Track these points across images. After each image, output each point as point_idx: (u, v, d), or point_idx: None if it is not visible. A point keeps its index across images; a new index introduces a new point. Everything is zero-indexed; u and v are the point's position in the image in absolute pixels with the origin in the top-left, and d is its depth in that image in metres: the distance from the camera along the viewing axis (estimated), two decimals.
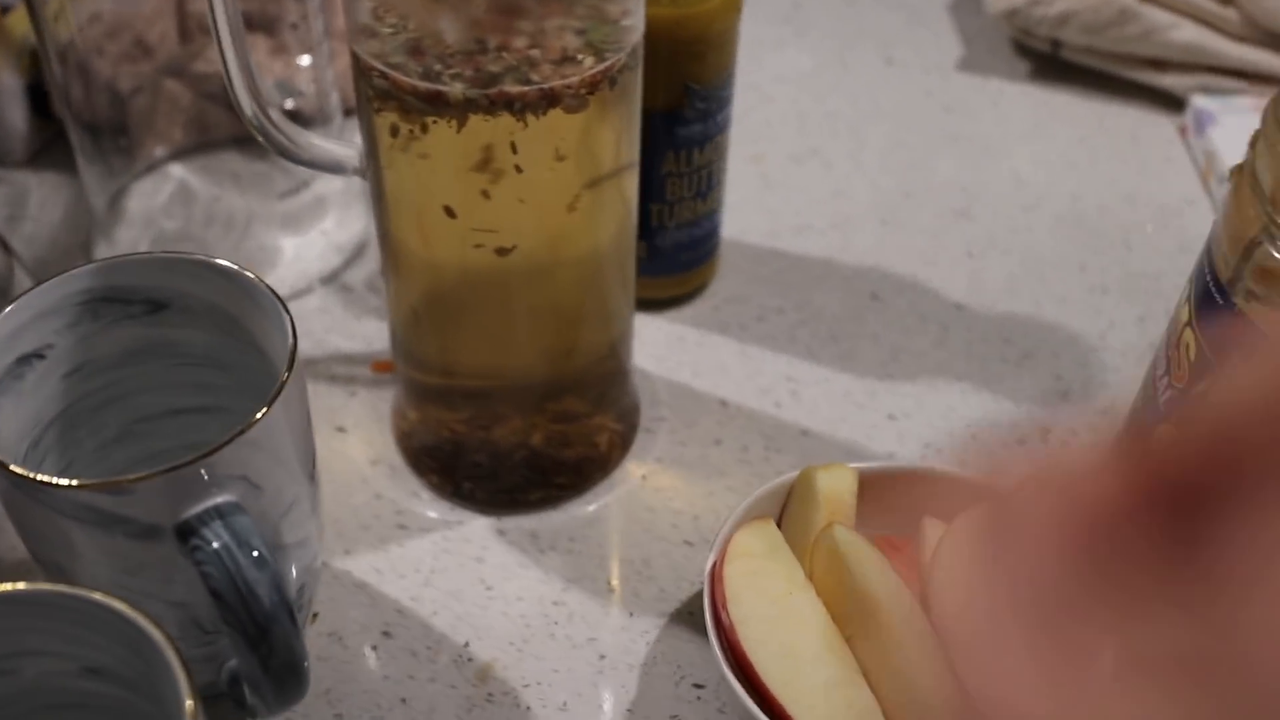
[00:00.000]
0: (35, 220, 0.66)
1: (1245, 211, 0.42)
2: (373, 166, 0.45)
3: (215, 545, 0.36)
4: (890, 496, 0.47)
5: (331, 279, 0.62)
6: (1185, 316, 0.45)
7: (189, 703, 0.30)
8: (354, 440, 0.54)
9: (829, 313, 0.60)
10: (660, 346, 0.59)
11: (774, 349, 0.59)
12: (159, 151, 0.67)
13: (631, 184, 0.47)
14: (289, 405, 0.39)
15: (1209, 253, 0.44)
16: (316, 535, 0.44)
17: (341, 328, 0.59)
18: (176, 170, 0.67)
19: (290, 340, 0.40)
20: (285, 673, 0.37)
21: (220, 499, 0.37)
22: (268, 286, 0.41)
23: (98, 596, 0.33)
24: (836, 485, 0.45)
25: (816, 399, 0.56)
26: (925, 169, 0.69)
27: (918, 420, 0.56)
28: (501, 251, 0.44)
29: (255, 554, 0.36)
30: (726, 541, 0.43)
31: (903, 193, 0.68)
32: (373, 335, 0.59)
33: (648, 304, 0.60)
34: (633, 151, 0.46)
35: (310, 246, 0.63)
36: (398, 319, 0.50)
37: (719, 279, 0.62)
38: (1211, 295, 0.43)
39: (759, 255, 0.63)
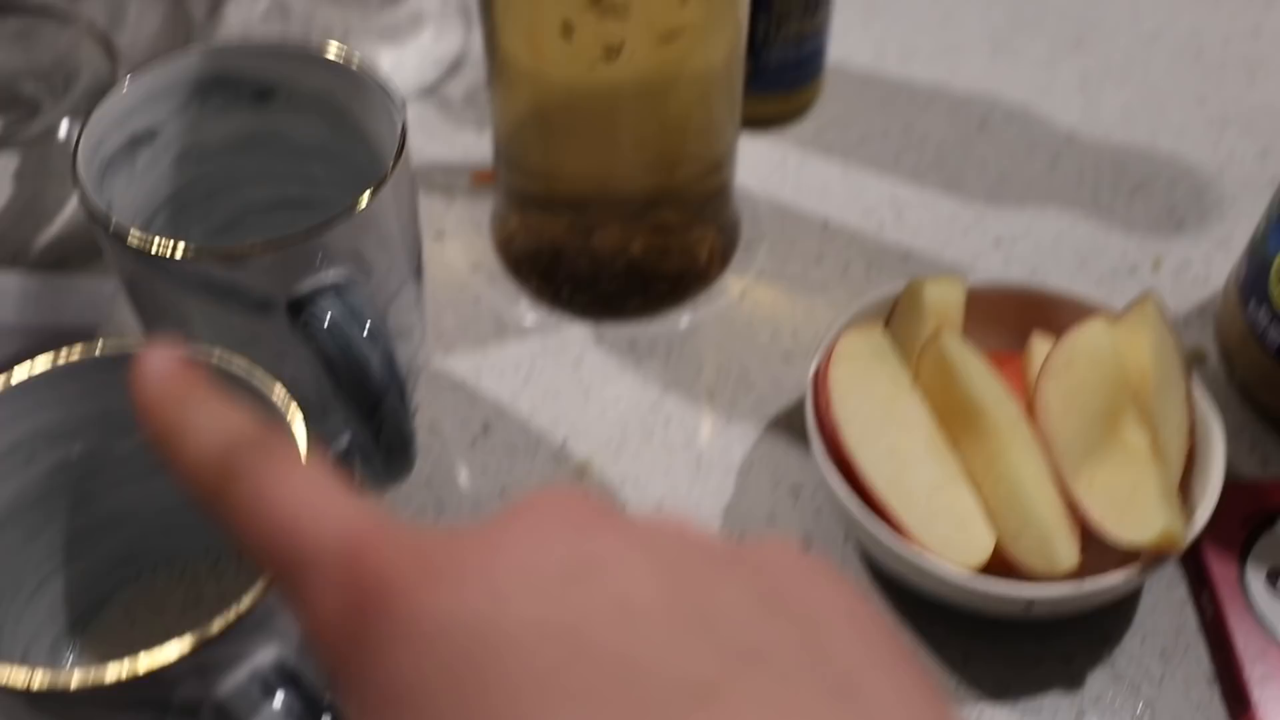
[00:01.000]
0: (134, 29, 0.66)
1: None
2: None
3: (328, 319, 0.36)
4: (998, 313, 0.47)
5: (429, 92, 0.61)
6: None
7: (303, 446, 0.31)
8: (453, 247, 0.54)
9: (935, 139, 0.59)
10: (762, 166, 0.57)
11: (878, 172, 0.57)
12: None
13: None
14: (398, 190, 0.39)
15: None
16: (419, 329, 0.44)
17: (440, 139, 0.59)
18: None
19: (399, 125, 0.39)
20: (395, 446, 0.38)
21: (332, 275, 0.37)
22: (375, 75, 0.41)
23: (214, 358, 0.33)
24: (944, 296, 0.45)
25: (921, 221, 0.55)
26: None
27: (1025, 245, 0.54)
28: (610, 55, 0.43)
29: (367, 329, 0.37)
30: (833, 344, 0.43)
31: (1014, 22, 0.65)
32: (470, 147, 0.58)
33: (751, 123, 0.58)
34: None
35: (408, 60, 0.63)
36: (502, 127, 0.49)
37: (822, 102, 0.60)
38: None
39: (864, 81, 0.62)
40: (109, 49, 0.58)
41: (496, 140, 0.50)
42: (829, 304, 0.52)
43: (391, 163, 0.38)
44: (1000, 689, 0.41)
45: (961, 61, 0.63)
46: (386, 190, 0.38)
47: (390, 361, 0.37)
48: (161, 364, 0.24)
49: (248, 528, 0.21)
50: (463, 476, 0.46)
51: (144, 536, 0.39)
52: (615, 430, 0.48)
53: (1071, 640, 0.42)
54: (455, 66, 0.63)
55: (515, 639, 0.18)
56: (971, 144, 0.59)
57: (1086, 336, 0.43)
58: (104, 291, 0.51)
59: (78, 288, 0.51)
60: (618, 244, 0.50)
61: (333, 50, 0.42)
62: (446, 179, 0.57)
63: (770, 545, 0.22)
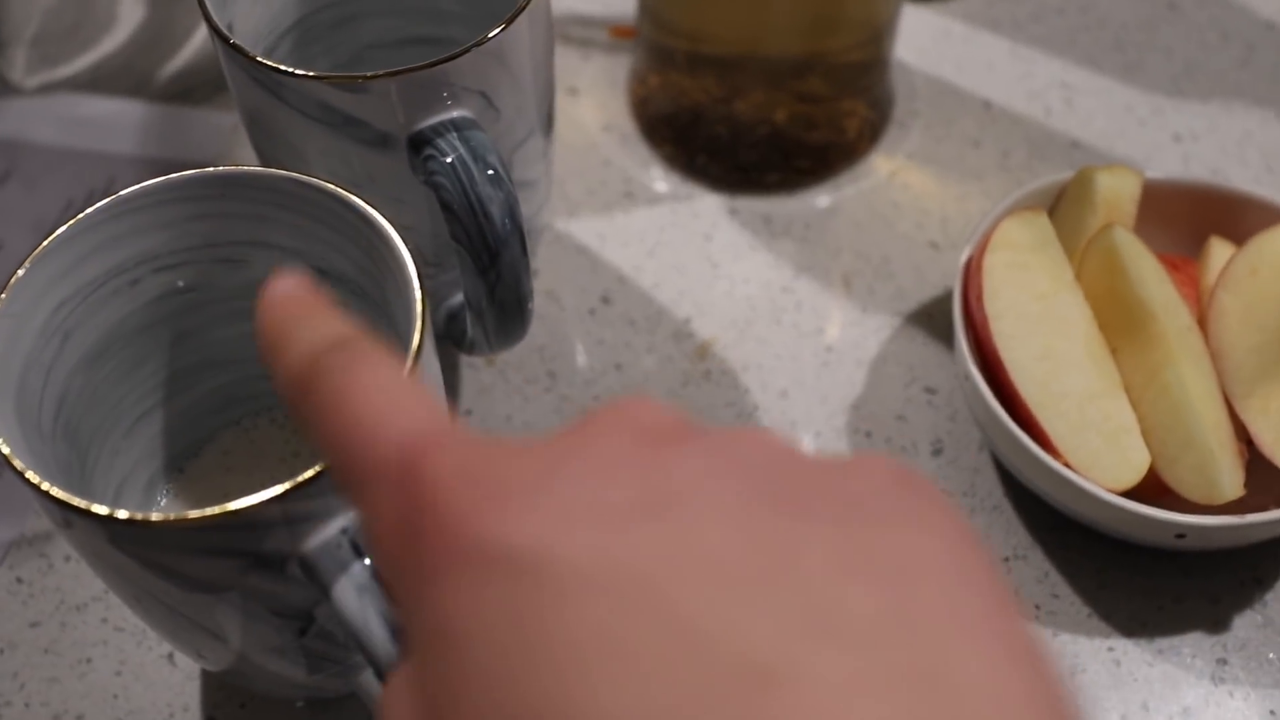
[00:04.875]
0: None
1: None
2: None
3: (450, 158, 0.34)
4: (1175, 213, 0.42)
5: None
6: None
7: (419, 300, 0.29)
8: (586, 104, 0.51)
9: (1116, 19, 0.54)
10: (924, 38, 0.53)
11: (1049, 52, 0.53)
12: None
13: None
14: (534, 27, 0.36)
15: None
16: (545, 183, 0.42)
17: None
18: None
19: None
20: (510, 303, 0.35)
21: (458, 112, 0.35)
22: None
23: (333, 188, 0.31)
24: (1118, 188, 0.41)
25: (1093, 109, 0.51)
26: None
27: (1207, 143, 0.50)
28: None
29: (491, 171, 0.34)
30: (990, 230, 0.39)
31: None
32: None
33: None
34: None
35: None
36: None
37: None
38: None
39: None
40: None
41: None
42: (984, 193, 0.48)
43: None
44: (1136, 623, 0.38)
45: None
46: (520, 24, 0.35)
47: (513, 209, 0.34)
48: (286, 287, 0.23)
49: (321, 430, 0.20)
50: (578, 348, 0.44)
51: (247, 381, 0.37)
52: (742, 311, 0.45)
53: (1220, 578, 0.39)
54: None
55: (577, 581, 0.16)
56: (1157, 27, 0.53)
57: (1273, 244, 0.39)
58: (225, 125, 0.49)
59: (199, 120, 0.50)
60: (761, 111, 0.47)
61: None
62: (584, 32, 0.54)
63: (871, 470, 0.19)
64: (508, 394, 0.43)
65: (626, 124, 0.50)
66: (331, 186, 0.31)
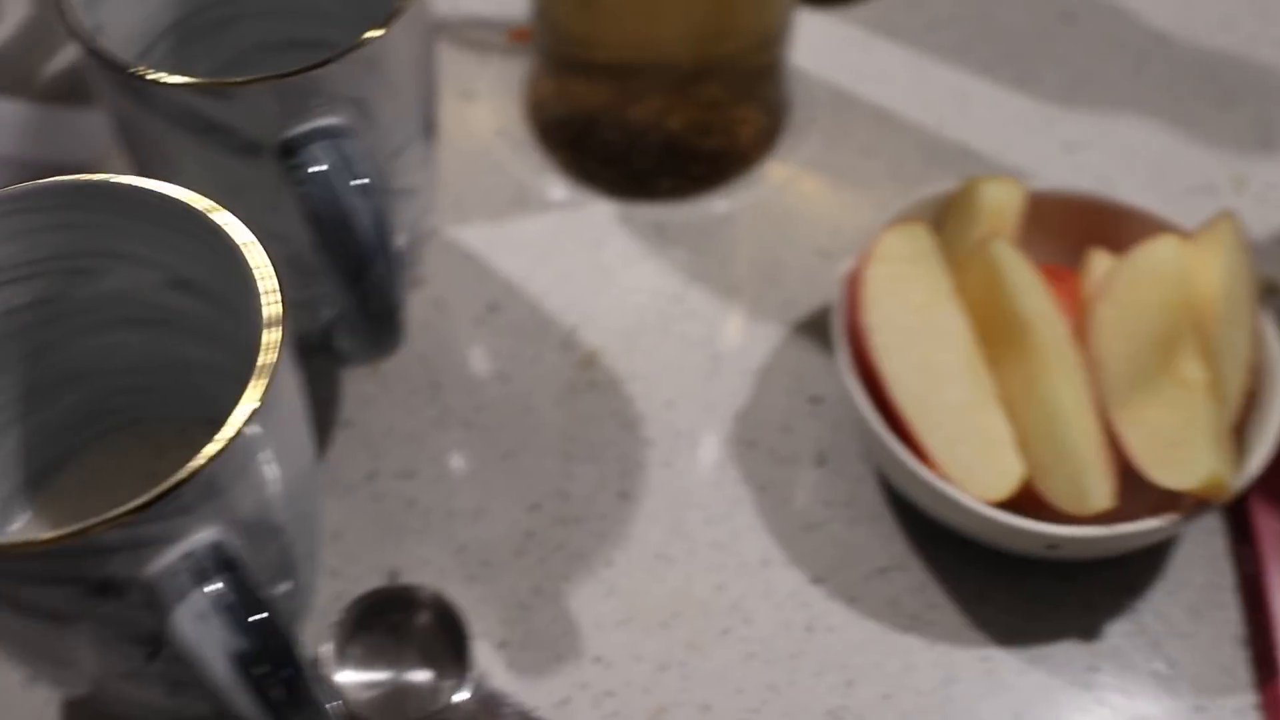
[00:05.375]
0: None
1: None
2: None
3: (318, 166, 0.33)
4: (1059, 224, 0.43)
5: None
6: None
7: (272, 314, 0.28)
8: (481, 108, 0.51)
9: (1012, 29, 0.54)
10: (822, 46, 0.53)
11: (945, 61, 0.53)
12: None
13: None
14: (411, 31, 0.36)
15: None
16: (428, 191, 0.41)
17: None
18: None
19: None
20: (381, 315, 0.35)
21: (329, 119, 0.34)
22: None
23: (181, 196, 0.30)
24: (1002, 199, 0.41)
25: (985, 118, 0.51)
26: None
27: (1097, 152, 0.50)
28: None
29: (360, 181, 0.33)
30: (872, 243, 0.39)
31: None
32: (511, 1, 0.54)
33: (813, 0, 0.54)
34: None
35: None
36: None
37: None
38: None
39: None
40: None
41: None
42: (876, 201, 0.48)
43: (400, 3, 0.35)
44: (1011, 632, 0.38)
45: None
46: (396, 29, 0.35)
47: (382, 220, 0.34)
48: None
49: None
50: (462, 357, 0.44)
51: (110, 394, 0.36)
52: (630, 319, 0.45)
53: (1094, 586, 0.39)
54: None
55: None
56: (1052, 37, 0.54)
57: (1152, 255, 0.39)
58: (107, 127, 0.48)
59: (79, 122, 0.48)
60: (655, 117, 0.47)
61: None
62: (481, 35, 0.53)
63: None
64: (390, 405, 0.42)
65: (521, 129, 0.50)
66: (180, 194, 0.30)
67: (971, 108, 0.51)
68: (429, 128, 0.39)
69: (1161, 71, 0.53)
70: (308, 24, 0.42)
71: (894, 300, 0.38)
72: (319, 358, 0.42)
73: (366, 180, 0.34)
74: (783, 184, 0.48)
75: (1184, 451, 0.36)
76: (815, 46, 0.53)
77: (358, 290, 0.34)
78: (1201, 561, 0.40)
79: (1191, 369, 0.37)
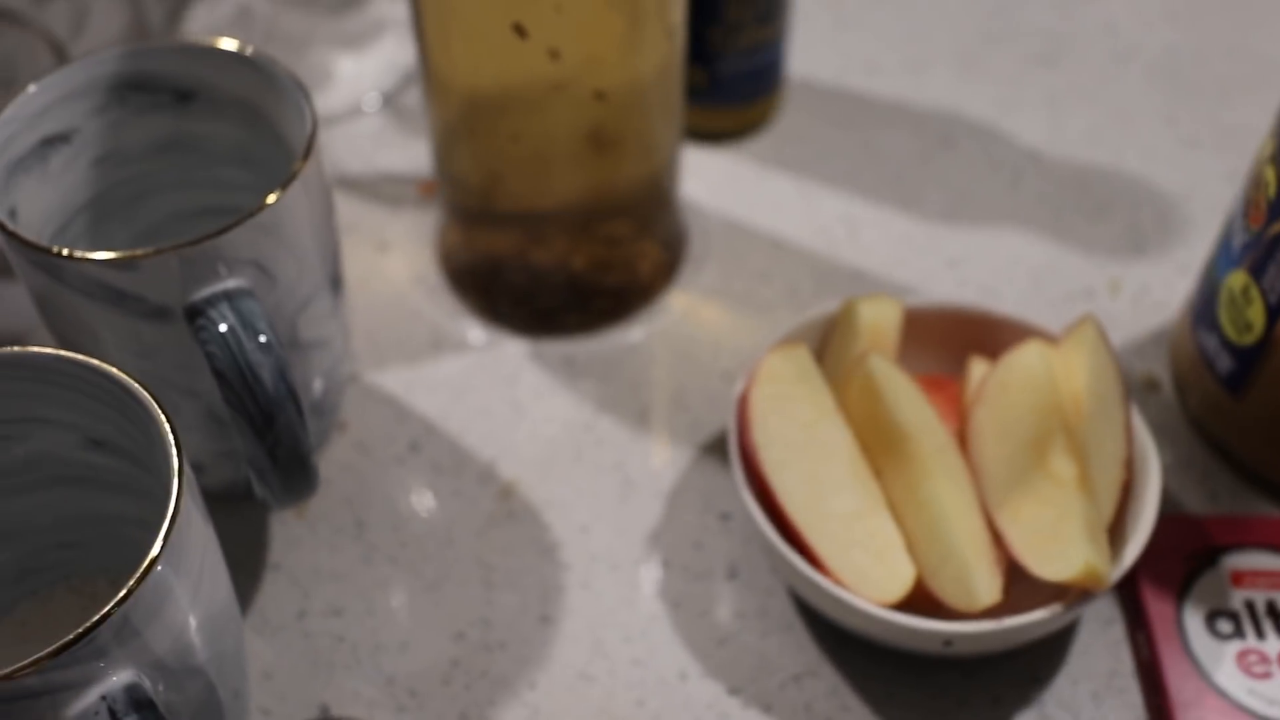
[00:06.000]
0: (93, 36, 0.65)
1: None
2: None
3: (221, 327, 0.35)
4: (938, 336, 0.45)
5: (388, 100, 0.61)
6: (1269, 151, 0.42)
7: (176, 468, 0.30)
8: (396, 259, 0.53)
9: (895, 154, 0.58)
10: (717, 181, 0.56)
11: (834, 188, 0.56)
12: None
13: (676, 10, 0.45)
14: (307, 194, 0.38)
15: None
16: (341, 339, 0.43)
17: (394, 148, 0.58)
18: None
19: (308, 126, 0.38)
20: (292, 463, 0.37)
21: (230, 283, 0.36)
22: (288, 72, 0.40)
23: (93, 362, 0.32)
24: (879, 317, 0.43)
25: (874, 240, 0.54)
26: (1010, 15, 0.65)
27: (978, 266, 0.53)
28: (554, 56, 0.42)
29: (261, 339, 0.36)
30: (757, 366, 0.42)
31: (984, 37, 0.64)
32: (424, 156, 0.57)
33: (708, 136, 0.58)
34: None
35: (368, 67, 0.62)
36: (437, 139, 0.48)
37: (783, 116, 0.59)
38: None
39: (826, 94, 0.60)
40: (60, 55, 0.57)
41: (434, 153, 0.49)
42: (774, 324, 0.50)
43: (296, 166, 0.37)
44: None
45: (928, 76, 0.61)
46: (291, 194, 0.37)
47: (285, 373, 0.36)
48: None
49: None
50: (386, 495, 0.45)
51: (41, 551, 0.38)
52: (544, 450, 0.47)
53: (1001, 680, 0.41)
54: (415, 74, 0.62)
55: None
56: (932, 161, 0.57)
57: (1021, 360, 0.42)
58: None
59: (5, 294, 0.50)
60: (557, 259, 0.49)
61: (249, 49, 0.41)
62: (396, 190, 0.56)
63: None
64: (317, 545, 0.44)
65: (435, 276, 0.52)
66: (90, 361, 0.32)
67: (860, 230, 0.54)
68: (335, 281, 0.42)
69: (1037, 186, 0.56)
70: (213, 192, 0.45)
71: (780, 418, 0.40)
72: (245, 504, 0.44)
73: (268, 337, 0.36)
74: (684, 313, 0.51)
75: (1060, 545, 0.38)
76: (711, 182, 0.56)
77: (266, 440, 0.36)
78: (1101, 649, 0.42)
79: (1062, 465, 0.39)
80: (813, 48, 0.62)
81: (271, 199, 0.36)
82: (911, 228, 0.55)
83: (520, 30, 0.41)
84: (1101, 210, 0.55)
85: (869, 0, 0.66)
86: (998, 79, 0.61)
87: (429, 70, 0.46)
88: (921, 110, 0.60)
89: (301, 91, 0.40)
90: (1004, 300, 0.51)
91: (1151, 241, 0.54)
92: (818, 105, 0.60)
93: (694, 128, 0.57)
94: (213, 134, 0.43)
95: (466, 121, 0.46)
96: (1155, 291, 0.52)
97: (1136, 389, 0.49)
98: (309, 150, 0.38)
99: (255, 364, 0.35)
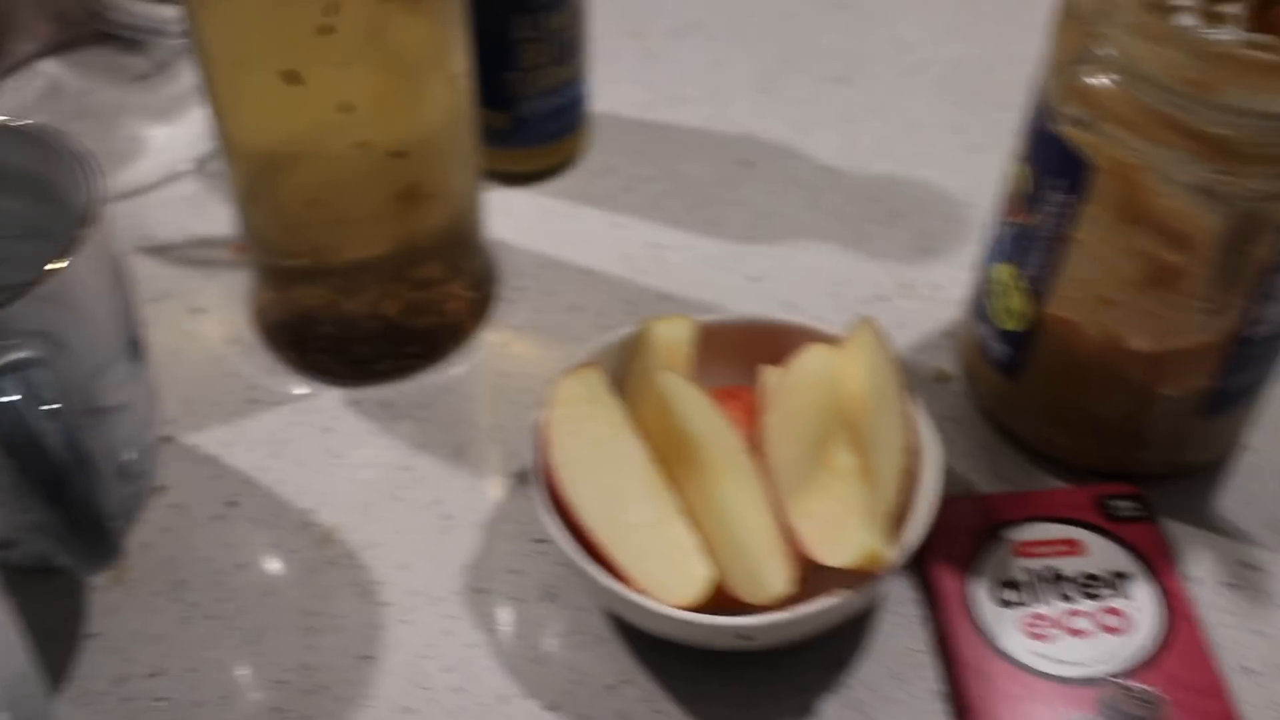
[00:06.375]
0: None
1: (1065, 34, 0.42)
2: (191, 21, 0.45)
3: (7, 398, 0.36)
4: (734, 349, 0.47)
5: (200, 166, 0.61)
6: (1018, 150, 0.44)
7: None
8: (211, 321, 0.54)
9: (698, 180, 0.60)
10: (526, 219, 0.58)
11: (640, 218, 0.58)
12: (27, 48, 0.66)
13: (457, 59, 0.46)
14: (94, 262, 0.39)
15: (1038, 82, 0.43)
16: (145, 403, 0.44)
17: (206, 213, 0.59)
18: (47, 67, 0.66)
19: (92, 194, 0.39)
20: (89, 529, 0.37)
21: (16, 354, 0.37)
22: (69, 143, 0.41)
23: None
24: (672, 335, 0.45)
25: (679, 264, 0.56)
26: (807, 38, 0.68)
27: (780, 281, 0.55)
28: (343, 110, 0.43)
29: (47, 407, 0.36)
30: (552, 390, 0.43)
31: (782, 62, 0.67)
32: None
33: (515, 177, 0.59)
34: (451, 28, 0.46)
35: (179, 135, 0.63)
36: (238, 201, 0.50)
37: (590, 152, 0.61)
38: (1038, 123, 0.43)
39: (632, 128, 0.63)
40: None
41: (237, 216, 0.50)
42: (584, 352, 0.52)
43: (77, 234, 0.38)
44: None
45: (729, 104, 0.64)
46: (76, 263, 0.38)
47: (76, 441, 0.36)
48: None
49: None
50: (205, 553, 0.46)
51: None
52: (363, 494, 0.48)
53: (806, 669, 0.43)
54: None
55: None
56: (734, 183, 0.60)
57: (805, 365, 0.44)
58: None
59: None
60: (368, 307, 0.50)
61: (28, 122, 0.42)
62: (209, 253, 0.57)
63: None
64: (136, 610, 0.44)
65: (250, 334, 0.53)
66: None
67: (666, 256, 0.56)
68: (134, 345, 0.42)
69: (833, 200, 0.59)
70: (13, 269, 0.45)
71: (576, 438, 0.42)
72: (61, 576, 0.44)
73: (57, 405, 0.36)
74: (498, 349, 0.52)
75: (842, 533, 0.40)
76: (521, 221, 0.58)
77: (59, 508, 0.36)
78: (900, 630, 0.44)
79: (843, 459, 0.41)
80: (619, 83, 0.65)
81: (52, 268, 0.37)
82: (715, 249, 0.57)
83: (294, 78, 0.42)
84: (894, 218, 0.58)
85: (674, 32, 0.69)
86: (795, 100, 0.64)
87: (222, 133, 0.47)
88: (723, 136, 0.62)
89: (81, 161, 0.40)
90: (804, 310, 0.54)
91: (941, 244, 0.57)
92: (624, 139, 0.62)
93: (501, 169, 0.59)
94: (3, 210, 0.44)
95: (263, 183, 0.47)
96: (946, 290, 0.55)
97: (929, 382, 0.51)
98: (90, 218, 0.39)
99: (41, 432, 0.36)
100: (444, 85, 0.46)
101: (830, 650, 0.43)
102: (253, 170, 0.47)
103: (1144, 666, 0.42)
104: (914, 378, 0.51)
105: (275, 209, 0.48)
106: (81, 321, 0.39)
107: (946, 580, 0.44)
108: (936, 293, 0.55)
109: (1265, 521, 0.47)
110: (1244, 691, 0.42)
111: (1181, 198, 0.39)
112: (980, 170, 0.60)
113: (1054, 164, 0.42)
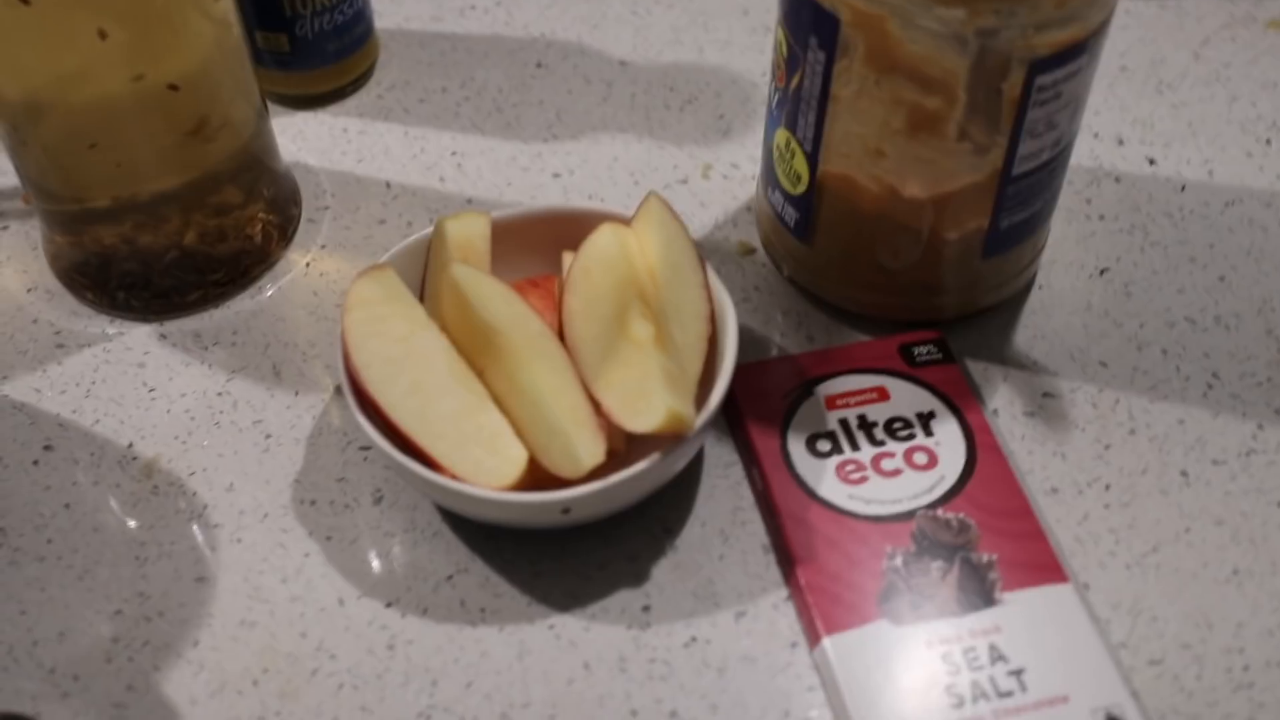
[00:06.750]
0: None
1: None
2: None
3: None
4: (532, 240, 0.48)
5: None
6: (778, 17, 0.46)
7: None
8: (8, 272, 0.53)
9: (493, 86, 0.60)
10: (323, 140, 0.58)
11: (438, 128, 0.58)
12: None
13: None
14: None
15: None
16: None
17: None
18: None
19: None
20: None
21: None
22: None
23: None
24: (466, 231, 0.46)
25: (481, 168, 0.57)
26: None
27: (581, 175, 0.56)
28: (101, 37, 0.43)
29: None
30: (347, 293, 0.44)
31: None
32: None
33: (306, 100, 0.59)
34: None
35: None
36: (10, 148, 0.49)
37: (381, 69, 0.61)
38: None
39: (422, 40, 0.63)
40: None
41: (13, 163, 0.49)
42: None
43: None
44: (570, 599, 0.43)
45: (517, 8, 0.64)
46: None
47: None
48: None
49: None
50: (25, 500, 0.45)
51: None
52: (182, 423, 0.48)
53: (634, 537, 0.44)
54: None
55: None
56: (529, 86, 0.60)
57: (596, 244, 0.45)
58: None
59: None
60: (166, 239, 0.50)
61: None
62: None
63: None
64: None
65: (50, 281, 0.52)
66: None
67: (468, 161, 0.57)
68: None
69: (628, 92, 0.60)
70: None
71: (376, 339, 0.42)
72: None
73: None
74: (305, 269, 0.53)
75: (645, 400, 0.41)
76: (318, 142, 0.57)
77: None
78: (723, 492, 0.46)
79: (640, 329, 0.43)
80: None
81: None
82: (516, 150, 0.57)
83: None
84: (689, 103, 0.59)
85: None
86: (582, 1, 0.65)
87: None
88: (515, 40, 0.62)
89: None
90: (608, 202, 0.55)
91: (736, 125, 0.58)
92: (414, 52, 0.62)
93: (291, 92, 0.58)
94: None
95: (31, 128, 0.46)
96: (744, 168, 0.56)
97: (735, 256, 0.53)
98: None
99: None
100: (202, 15, 0.46)
101: (658, 518, 0.45)
102: (18, 117, 0.46)
103: (953, 497, 0.44)
104: (720, 254, 0.53)
105: (49, 155, 0.47)
106: None
107: (763, 439, 0.46)
108: (734, 171, 0.56)
109: (1058, 352, 0.50)
110: (1050, 510, 0.45)
111: (926, 43, 0.40)
112: (769, 51, 0.62)
113: (806, 24, 0.43)
